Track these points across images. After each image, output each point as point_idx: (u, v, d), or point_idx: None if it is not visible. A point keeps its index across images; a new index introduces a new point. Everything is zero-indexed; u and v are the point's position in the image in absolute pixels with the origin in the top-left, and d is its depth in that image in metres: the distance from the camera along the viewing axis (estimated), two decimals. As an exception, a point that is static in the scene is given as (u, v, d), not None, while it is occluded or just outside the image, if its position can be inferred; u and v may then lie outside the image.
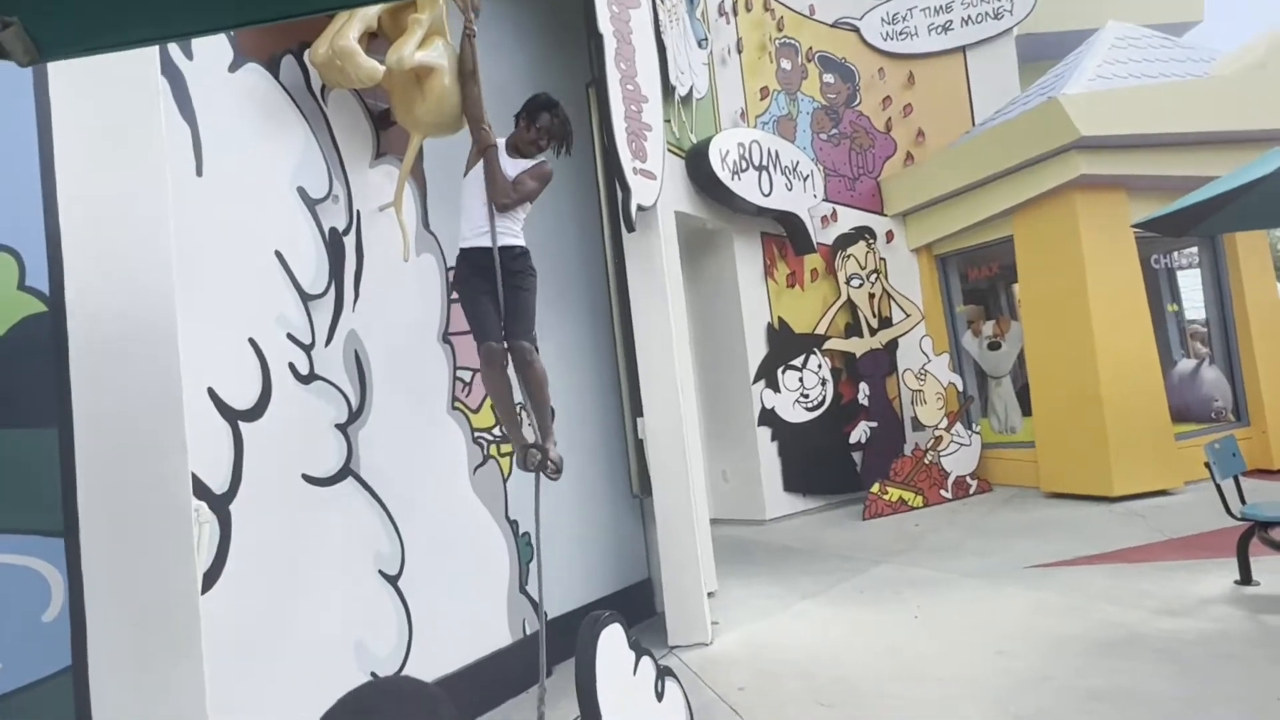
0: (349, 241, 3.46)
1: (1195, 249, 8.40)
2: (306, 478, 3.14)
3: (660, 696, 3.15)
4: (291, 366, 3.14)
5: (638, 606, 4.89)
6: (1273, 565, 4.52)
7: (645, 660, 3.11)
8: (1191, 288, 8.96)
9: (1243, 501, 4.58)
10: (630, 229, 4.39)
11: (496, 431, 4.08)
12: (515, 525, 4.16)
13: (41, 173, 2.12)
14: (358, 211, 3.53)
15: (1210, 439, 5.16)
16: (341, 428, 3.31)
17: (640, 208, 4.36)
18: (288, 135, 3.27)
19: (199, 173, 2.91)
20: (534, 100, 3.37)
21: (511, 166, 3.29)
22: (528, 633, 4.09)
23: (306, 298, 3.23)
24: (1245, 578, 4.49)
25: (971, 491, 8.04)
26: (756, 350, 7.88)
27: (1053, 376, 7.57)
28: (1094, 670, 3.57)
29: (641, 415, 4.69)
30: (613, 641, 2.96)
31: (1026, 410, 8.33)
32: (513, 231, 3.30)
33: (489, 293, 3.22)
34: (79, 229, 2.14)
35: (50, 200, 2.13)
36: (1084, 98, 7.08)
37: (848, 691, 3.62)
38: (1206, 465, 4.60)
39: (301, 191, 3.28)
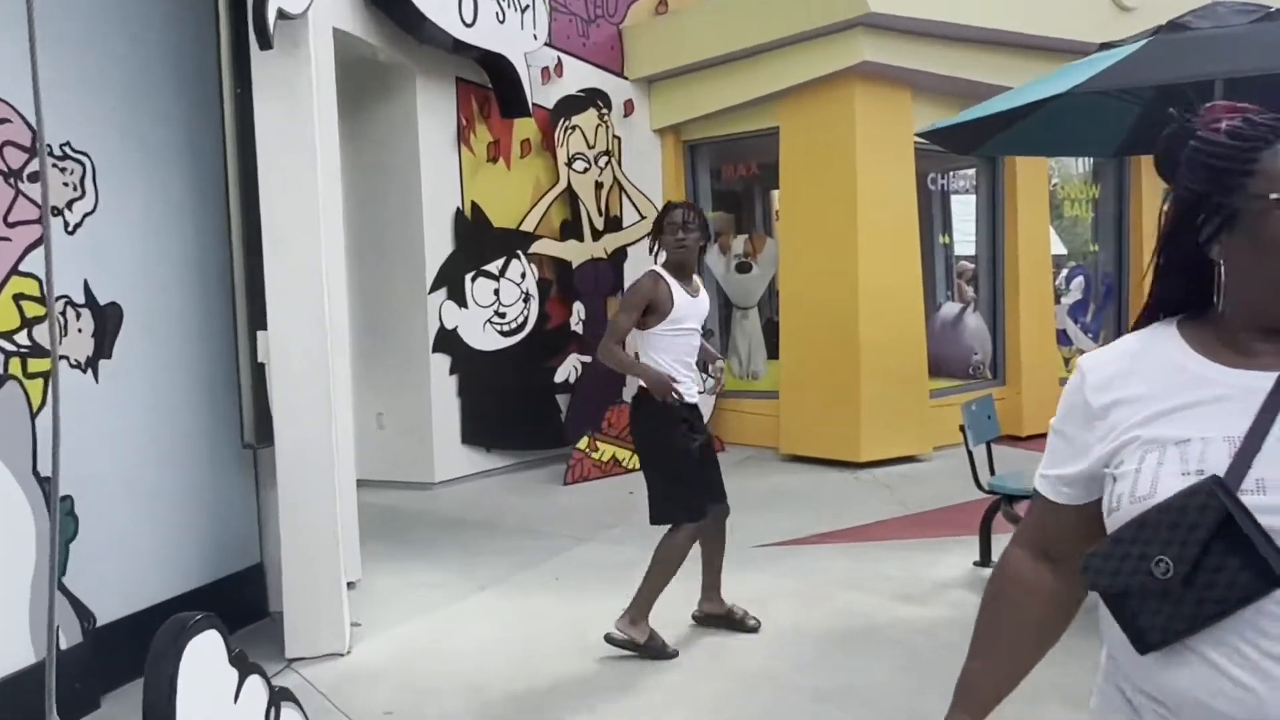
0: None
1: (973, 171, 9.82)
2: None
3: (273, 730, 3.12)
4: None
5: (243, 604, 4.81)
6: (1012, 544, 5.57)
7: (253, 680, 3.05)
8: (965, 217, 10.48)
9: (992, 471, 5.56)
10: (266, 45, 4.13)
11: (22, 339, 3.65)
12: (48, 485, 3.78)
13: None
14: None
15: (966, 398, 6.15)
16: None
17: (282, 14, 4.14)
18: None
19: None
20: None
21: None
22: (65, 647, 3.80)
23: None
24: (985, 559, 5.49)
25: (701, 451, 8.81)
26: (438, 247, 7.84)
27: (807, 312, 8.50)
28: (823, 666, 4.18)
29: (264, 329, 4.49)
30: (204, 655, 2.85)
31: (773, 353, 9.27)
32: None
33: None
34: None
35: None
36: (879, -38, 7.82)
37: (530, 710, 3.86)
38: (961, 429, 5.50)
39: None
